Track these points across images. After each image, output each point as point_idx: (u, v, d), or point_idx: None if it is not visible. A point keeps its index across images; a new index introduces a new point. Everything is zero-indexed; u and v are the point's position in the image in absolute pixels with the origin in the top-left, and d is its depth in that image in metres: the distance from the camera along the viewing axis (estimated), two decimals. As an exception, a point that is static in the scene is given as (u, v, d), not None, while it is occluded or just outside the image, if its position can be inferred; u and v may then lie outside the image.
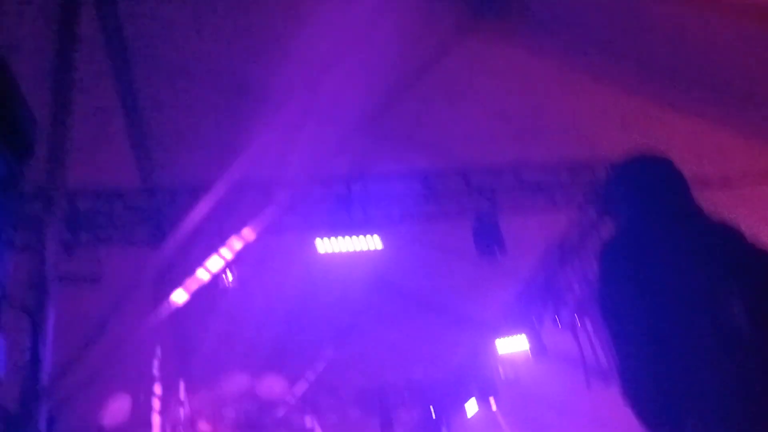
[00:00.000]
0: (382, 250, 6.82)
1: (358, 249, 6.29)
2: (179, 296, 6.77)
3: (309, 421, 10.53)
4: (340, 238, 6.18)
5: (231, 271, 6.13)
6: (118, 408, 8.38)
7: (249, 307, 8.71)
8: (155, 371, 8.15)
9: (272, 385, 10.38)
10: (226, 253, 6.37)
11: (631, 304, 1.80)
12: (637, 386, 1.84)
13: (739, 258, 1.83)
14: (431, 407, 10.99)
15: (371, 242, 6.35)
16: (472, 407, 10.09)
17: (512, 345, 7.96)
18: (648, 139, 2.14)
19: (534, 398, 9.96)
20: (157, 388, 8.23)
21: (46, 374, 3.77)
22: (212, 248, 6.39)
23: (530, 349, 7.31)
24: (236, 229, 6.35)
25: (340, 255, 6.41)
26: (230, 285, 6.28)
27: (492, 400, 8.89)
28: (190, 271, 7.21)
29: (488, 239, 5.05)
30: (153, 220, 6.47)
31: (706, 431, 1.70)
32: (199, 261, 6.59)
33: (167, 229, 6.22)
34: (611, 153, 2.62)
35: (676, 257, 1.82)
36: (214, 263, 6.42)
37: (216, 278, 6.36)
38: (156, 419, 7.97)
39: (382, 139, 6.31)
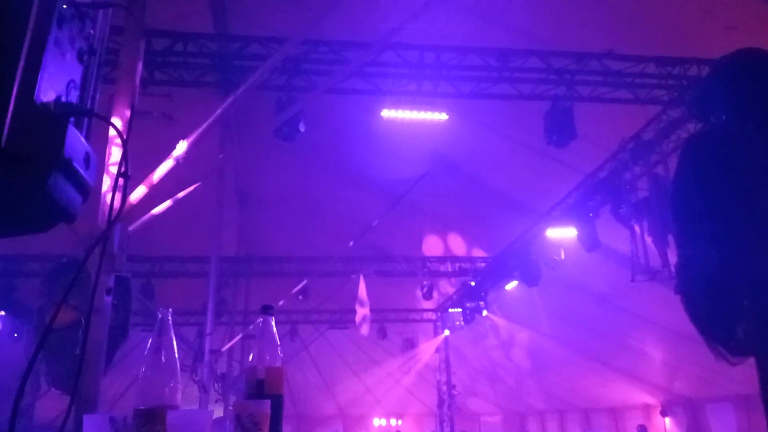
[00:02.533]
0: (446, 126, 6.77)
1: (422, 119, 6.24)
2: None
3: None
4: (406, 109, 6.12)
5: (300, 124, 6.19)
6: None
7: (313, 162, 8.97)
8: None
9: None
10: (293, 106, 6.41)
11: (707, 201, 1.78)
12: (694, 285, 1.87)
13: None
14: (472, 282, 11.43)
15: (437, 117, 6.28)
16: (512, 286, 10.42)
17: (563, 234, 8.01)
18: (756, 44, 1.96)
19: (575, 288, 10.20)
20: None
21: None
22: (280, 101, 6.44)
23: (580, 240, 7.34)
24: (305, 85, 6.36)
25: (404, 124, 6.39)
26: (298, 135, 6.34)
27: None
28: (258, 120, 7.38)
29: (559, 126, 4.90)
30: (224, 66, 6.53)
31: (757, 336, 1.74)
32: (267, 111, 6.70)
33: (237, 76, 6.28)
34: (710, 53, 2.45)
35: (765, 164, 1.76)
36: (281, 115, 6.49)
37: (282, 128, 6.43)
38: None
39: (462, 10, 6.00)
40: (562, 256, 8.01)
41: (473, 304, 12.02)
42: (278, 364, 1.56)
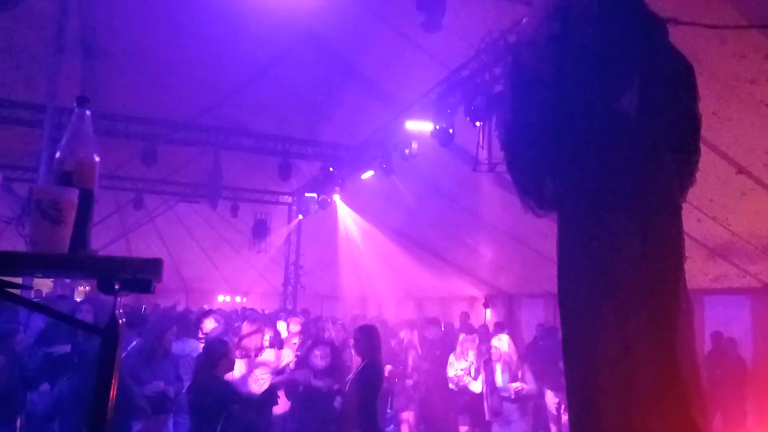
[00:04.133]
0: (321, 4, 6.48)
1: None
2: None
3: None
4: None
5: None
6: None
7: (172, 21, 8.22)
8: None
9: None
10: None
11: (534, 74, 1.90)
12: (515, 142, 2.00)
13: (648, 52, 1.91)
14: (331, 167, 11.52)
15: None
16: (368, 175, 10.67)
17: (421, 128, 8.24)
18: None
19: (423, 183, 10.70)
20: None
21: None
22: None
23: (436, 134, 7.61)
24: None
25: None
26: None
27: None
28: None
29: (430, 5, 4.86)
30: None
31: (563, 189, 1.92)
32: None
33: None
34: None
35: (597, 32, 1.87)
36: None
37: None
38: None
39: None
40: (415, 148, 8.28)
41: (329, 190, 12.20)
42: (92, 159, 1.46)
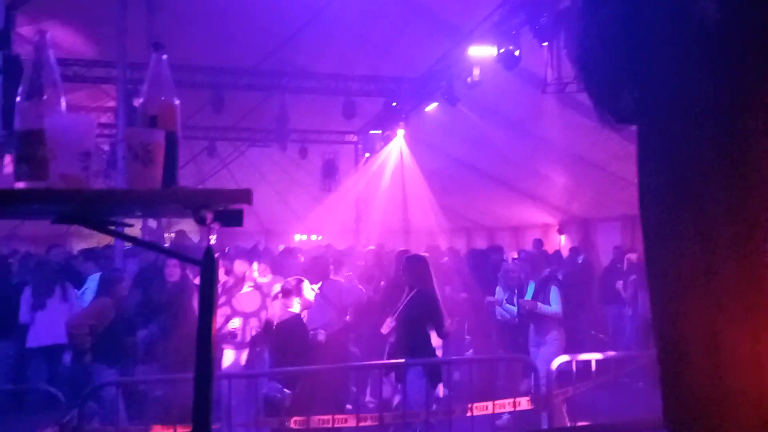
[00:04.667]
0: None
1: None
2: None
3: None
4: None
5: None
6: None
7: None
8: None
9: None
10: None
11: None
12: (589, 53, 1.92)
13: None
14: (394, 102, 11.41)
15: None
16: (432, 108, 10.53)
17: (484, 53, 7.99)
18: None
19: (490, 112, 10.45)
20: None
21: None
22: None
23: (501, 59, 7.36)
24: None
25: None
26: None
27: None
28: None
29: None
30: None
31: (642, 101, 1.84)
32: None
33: None
34: None
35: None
36: None
37: None
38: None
39: None
40: (478, 75, 8.04)
41: (393, 126, 12.14)
42: (173, 102, 1.53)
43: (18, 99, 1.32)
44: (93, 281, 6.50)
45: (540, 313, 5.93)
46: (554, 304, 5.91)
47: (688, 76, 1.82)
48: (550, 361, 5.31)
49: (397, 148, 13.24)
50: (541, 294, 6.00)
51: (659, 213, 1.97)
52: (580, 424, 5.08)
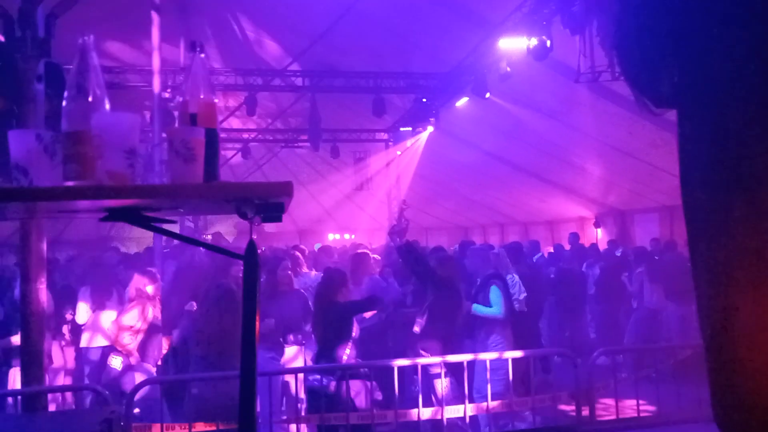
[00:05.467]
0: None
1: None
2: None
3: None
4: None
5: None
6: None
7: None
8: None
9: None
10: None
11: None
12: (627, 38, 1.88)
13: None
14: (424, 98, 11.38)
15: None
16: (462, 103, 10.46)
17: (515, 45, 7.90)
18: None
19: (522, 103, 10.33)
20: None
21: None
22: None
23: (532, 50, 7.27)
24: None
25: None
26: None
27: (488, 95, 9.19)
28: None
29: None
30: None
31: (683, 84, 1.79)
32: None
33: None
34: None
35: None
36: None
37: None
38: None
39: None
40: (508, 67, 7.95)
41: (424, 122, 12.11)
42: (212, 100, 1.55)
43: (64, 102, 1.36)
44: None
45: (478, 315, 5.50)
46: (495, 306, 5.48)
47: (733, 57, 1.76)
48: (493, 369, 4.88)
49: (427, 143, 13.21)
50: (481, 294, 5.58)
51: (705, 201, 1.91)
52: (622, 417, 4.99)
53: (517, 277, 5.95)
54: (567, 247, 11.69)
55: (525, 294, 5.91)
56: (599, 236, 13.99)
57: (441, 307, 5.23)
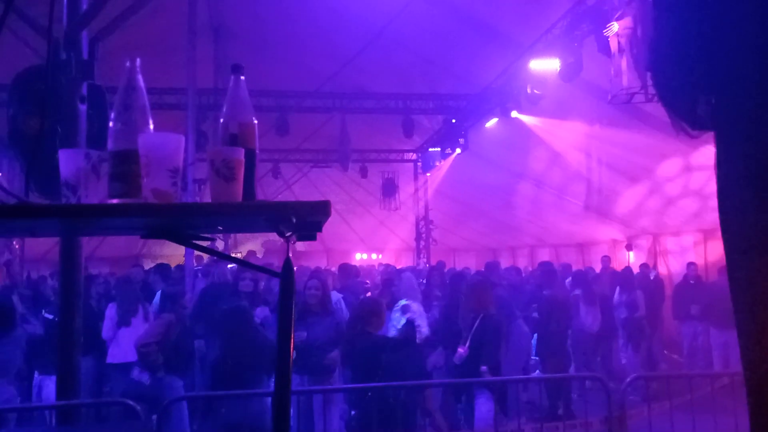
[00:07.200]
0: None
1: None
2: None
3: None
4: None
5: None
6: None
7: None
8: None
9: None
10: None
11: None
12: (663, 61, 1.87)
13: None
14: (453, 119, 11.42)
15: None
16: (492, 123, 10.46)
17: (545, 66, 7.90)
18: None
19: (555, 117, 10.26)
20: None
21: None
22: None
23: (563, 72, 7.26)
24: None
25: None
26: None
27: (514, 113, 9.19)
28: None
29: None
30: None
31: (720, 106, 1.78)
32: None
33: None
34: None
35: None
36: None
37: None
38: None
39: None
40: (538, 89, 7.94)
41: (453, 143, 12.12)
42: (251, 121, 1.59)
43: (111, 122, 1.41)
44: (158, 296, 6.79)
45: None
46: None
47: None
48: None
49: (456, 164, 13.21)
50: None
51: (744, 225, 1.89)
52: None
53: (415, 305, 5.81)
54: (598, 269, 11.51)
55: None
56: (632, 260, 13.73)
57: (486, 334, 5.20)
